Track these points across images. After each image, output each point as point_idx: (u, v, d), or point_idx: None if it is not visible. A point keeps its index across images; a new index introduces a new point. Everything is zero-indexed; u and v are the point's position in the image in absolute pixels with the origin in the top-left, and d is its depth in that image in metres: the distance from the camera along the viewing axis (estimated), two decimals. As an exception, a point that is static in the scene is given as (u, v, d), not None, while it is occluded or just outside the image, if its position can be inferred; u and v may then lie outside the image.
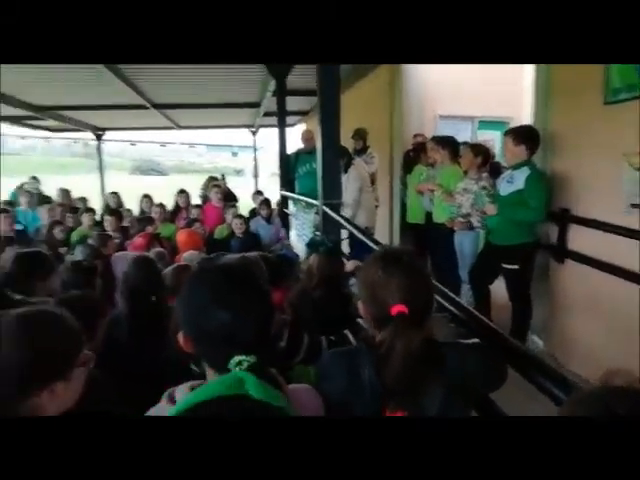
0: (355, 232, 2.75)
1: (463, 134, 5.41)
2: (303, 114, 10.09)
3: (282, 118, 5.82)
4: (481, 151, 3.68)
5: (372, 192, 4.82)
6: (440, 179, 4.04)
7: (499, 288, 3.33)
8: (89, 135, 11.26)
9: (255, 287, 0.88)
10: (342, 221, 3.00)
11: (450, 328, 1.76)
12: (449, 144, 4.02)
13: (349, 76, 6.07)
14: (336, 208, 3.13)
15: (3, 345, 0.90)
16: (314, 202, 3.58)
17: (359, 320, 1.90)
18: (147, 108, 7.78)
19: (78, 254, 3.39)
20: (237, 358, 0.80)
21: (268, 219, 5.17)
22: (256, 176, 12.70)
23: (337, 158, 3.29)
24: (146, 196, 5.72)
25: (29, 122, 9.46)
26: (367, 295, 1.07)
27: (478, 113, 5.90)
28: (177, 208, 5.74)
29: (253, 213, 5.74)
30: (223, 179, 7.36)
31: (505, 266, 3.14)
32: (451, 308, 1.43)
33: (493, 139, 5.80)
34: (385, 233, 5.46)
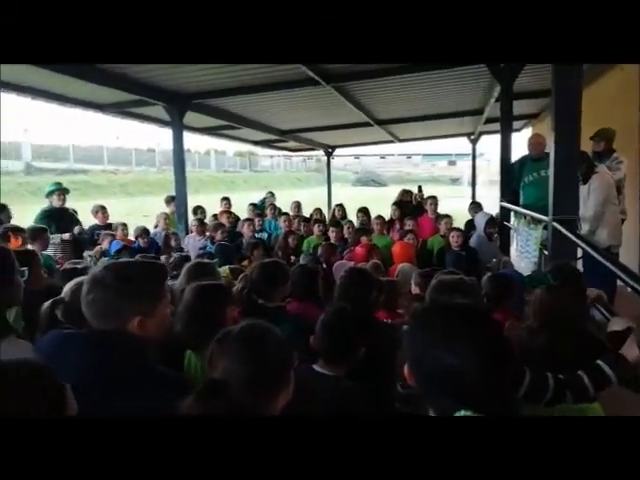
0: (593, 253, 2.34)
1: None
2: (530, 118, 9.22)
3: (506, 123, 5.40)
4: None
5: (618, 205, 4.04)
6: None
7: None
8: (321, 152, 12.66)
9: (489, 334, 0.81)
10: (576, 240, 2.59)
11: None
12: None
13: (586, 72, 5.27)
14: (570, 224, 2.71)
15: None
16: (542, 217, 3.18)
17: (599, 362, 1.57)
18: (371, 125, 8.28)
19: (304, 261, 3.83)
20: (460, 414, 0.73)
21: (490, 237, 4.84)
22: (473, 185, 12.15)
23: (574, 165, 2.86)
24: (362, 210, 6.03)
25: (276, 144, 11.19)
26: None
27: None
28: (391, 220, 5.93)
29: (470, 225, 5.48)
30: (420, 192, 7.09)
31: None
32: None
33: None
34: (635, 254, 4.51)
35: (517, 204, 4.88)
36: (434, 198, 5.86)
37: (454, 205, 11.74)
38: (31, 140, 21.72)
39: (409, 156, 54.78)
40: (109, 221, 5.37)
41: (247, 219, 5.68)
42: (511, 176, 5.17)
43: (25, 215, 5.39)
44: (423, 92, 6.39)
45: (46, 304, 1.87)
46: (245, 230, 5.32)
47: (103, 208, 5.34)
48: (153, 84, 5.14)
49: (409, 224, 5.31)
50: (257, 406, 1.02)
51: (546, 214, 2.97)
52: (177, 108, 5.68)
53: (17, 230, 3.21)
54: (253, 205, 6.58)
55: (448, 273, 2.32)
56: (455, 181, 39.63)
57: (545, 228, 3.20)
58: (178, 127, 5.85)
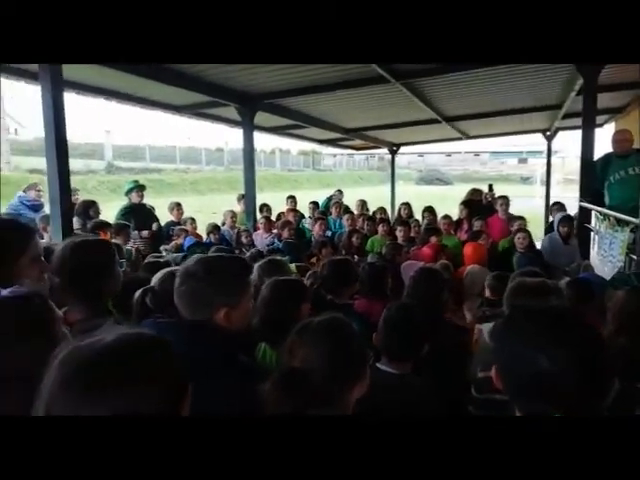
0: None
1: None
2: (614, 112, 8.57)
3: (589, 118, 5.05)
4: None
5: None
6: None
7: None
8: (383, 150, 12.52)
9: (586, 337, 0.78)
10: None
11: None
12: None
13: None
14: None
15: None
16: (630, 219, 2.96)
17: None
18: (439, 122, 8.09)
19: (371, 260, 3.82)
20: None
21: (566, 238, 4.56)
22: (548, 184, 11.48)
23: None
24: (428, 209, 5.91)
25: (341, 143, 11.25)
26: None
27: None
28: (459, 220, 5.76)
29: (549, 228, 5.18)
30: (491, 191, 6.67)
31: None
32: None
33: None
34: None
35: (599, 204, 4.56)
36: (505, 198, 5.62)
37: (525, 205, 11.18)
38: (112, 141, 23.37)
39: (477, 154, 52.81)
40: (183, 217, 5.68)
41: (318, 217, 5.77)
42: (593, 175, 4.84)
43: (106, 211, 5.82)
44: (495, 87, 6.13)
45: (138, 293, 2.02)
46: (316, 229, 5.40)
47: (179, 205, 5.65)
48: (226, 85, 5.35)
49: (478, 225, 5.14)
50: (333, 397, 1.05)
51: (634, 215, 2.76)
52: (248, 108, 5.87)
53: (106, 225, 3.48)
54: (314, 203, 6.66)
55: (530, 275, 2.22)
56: (526, 180, 37.69)
57: (633, 231, 2.97)
58: (249, 127, 6.04)
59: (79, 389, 0.64)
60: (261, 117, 6.53)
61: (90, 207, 4.59)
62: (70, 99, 3.63)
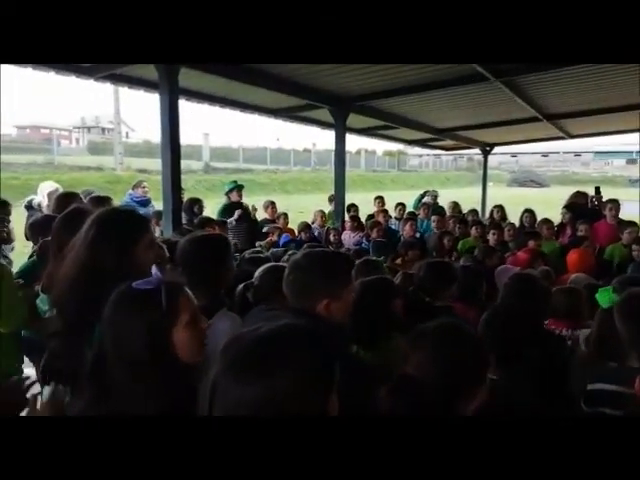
0: None
1: None
2: None
3: None
4: None
5: None
6: None
7: None
8: (473, 150, 12.02)
9: None
10: None
11: None
12: None
13: None
14: None
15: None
16: None
17: None
18: (539, 120, 7.64)
19: (463, 262, 3.73)
20: None
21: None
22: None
23: None
24: (528, 211, 5.62)
25: (430, 143, 11.01)
26: None
27: None
28: (562, 224, 5.40)
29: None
30: (598, 194, 6.10)
31: None
32: None
33: None
34: None
35: None
36: (615, 202, 5.16)
37: (633, 210, 10.10)
38: (210, 143, 24.94)
39: (578, 154, 48.72)
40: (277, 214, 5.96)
41: (408, 218, 5.74)
42: None
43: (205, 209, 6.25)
44: (602, 82, 5.65)
45: (240, 287, 2.19)
46: (407, 229, 5.38)
47: (273, 203, 5.94)
48: (320, 88, 5.50)
49: (582, 229, 4.77)
50: (450, 406, 1.02)
51: None
52: (341, 110, 5.99)
53: (212, 221, 3.78)
54: (401, 204, 6.61)
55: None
56: (635, 182, 34.01)
57: None
58: (341, 129, 6.16)
59: (239, 372, 0.71)
60: (351, 118, 6.63)
61: (195, 204, 4.99)
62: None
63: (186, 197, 5.42)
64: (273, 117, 7.15)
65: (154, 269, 1.11)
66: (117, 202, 5.80)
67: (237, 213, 5.29)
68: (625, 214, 5.42)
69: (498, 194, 16.80)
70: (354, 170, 31.43)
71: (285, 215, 5.74)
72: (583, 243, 4.25)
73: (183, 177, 4.33)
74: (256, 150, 28.82)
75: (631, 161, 44.57)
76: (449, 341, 1.10)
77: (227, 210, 5.47)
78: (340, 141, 6.19)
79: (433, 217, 5.91)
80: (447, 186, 30.51)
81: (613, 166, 46.29)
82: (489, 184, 13.70)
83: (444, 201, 7.44)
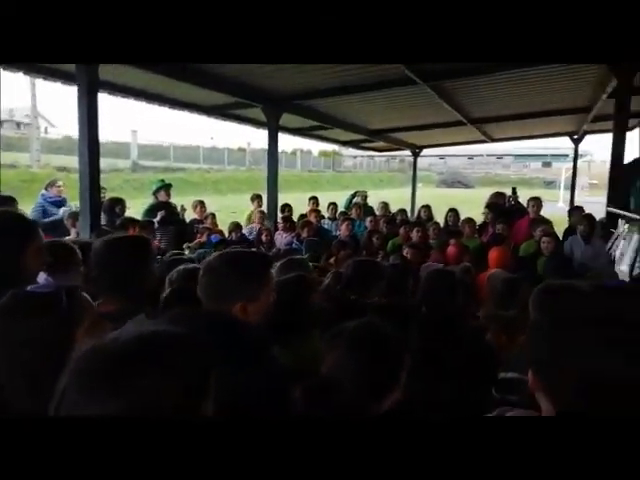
0: None
1: None
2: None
3: (621, 121, 4.93)
4: None
5: None
6: None
7: None
8: (405, 152, 12.47)
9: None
10: None
11: None
12: None
13: None
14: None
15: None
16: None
17: None
18: (464, 124, 8.02)
19: (393, 260, 3.83)
20: None
21: (587, 238, 4.50)
22: (572, 188, 11.28)
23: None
24: (452, 210, 5.88)
25: (363, 144, 11.24)
26: None
27: None
28: (484, 223, 5.71)
29: (569, 231, 5.11)
30: (514, 194, 6.54)
31: None
32: None
33: None
34: None
35: (627, 210, 4.46)
36: (537, 200, 5.51)
37: (548, 209, 10.95)
38: (138, 140, 23.80)
39: (500, 157, 52.05)
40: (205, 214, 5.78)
41: (347, 218, 5.78)
42: (622, 180, 4.73)
43: (131, 209, 5.93)
44: (524, 89, 6.06)
45: (165, 291, 2.07)
46: (343, 229, 5.42)
47: (202, 203, 5.75)
48: (253, 86, 5.41)
49: (500, 228, 5.07)
50: (364, 406, 1.01)
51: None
52: (274, 109, 5.93)
53: (134, 222, 3.58)
54: (333, 204, 6.67)
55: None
56: (549, 184, 36.94)
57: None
58: (274, 128, 6.10)
59: (87, 388, 0.63)
60: (285, 118, 6.59)
61: (116, 204, 4.70)
62: (99, 98, 3.73)
63: (108, 197, 5.12)
64: (205, 115, 6.94)
65: (42, 275, 1.01)
66: (31, 202, 5.38)
67: (159, 214, 5.03)
68: (542, 212, 5.85)
69: (428, 194, 17.52)
70: (290, 170, 31.41)
71: (213, 215, 5.58)
72: (502, 241, 4.52)
73: (109, 176, 4.06)
74: (188, 148, 27.91)
75: (546, 164, 48.34)
76: (363, 341, 1.08)
77: (153, 210, 5.22)
78: (273, 140, 6.13)
79: (369, 217, 6.03)
80: (380, 187, 31.34)
81: (530, 169, 49.92)
82: (419, 185, 14.25)
83: (379, 201, 7.61)
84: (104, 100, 3.69)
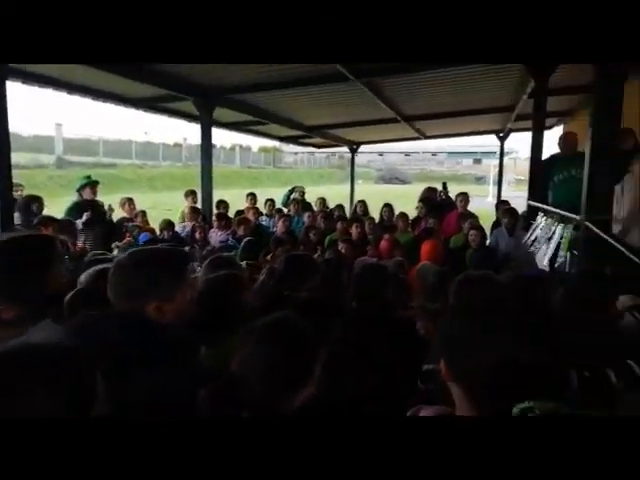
0: (628, 253, 2.27)
1: None
2: (563, 115, 8.98)
3: (539, 120, 5.27)
4: None
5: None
6: None
7: None
8: (344, 149, 12.61)
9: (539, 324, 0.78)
10: (610, 240, 2.52)
11: None
12: None
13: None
14: (603, 224, 2.65)
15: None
16: (573, 216, 3.11)
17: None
18: (398, 121, 8.21)
19: (329, 256, 3.84)
20: (523, 406, 0.72)
21: (511, 230, 4.77)
22: (499, 184, 11.96)
23: (607, 164, 2.78)
24: (387, 205, 6.02)
25: (302, 140, 11.22)
26: None
27: None
28: (417, 217, 5.90)
29: (496, 225, 5.39)
30: (445, 189, 6.86)
31: None
32: None
33: None
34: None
35: (546, 203, 4.77)
36: (464, 195, 5.77)
37: (478, 204, 11.58)
38: (63, 134, 22.32)
39: (434, 154, 54.14)
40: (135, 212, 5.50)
41: (283, 215, 5.72)
42: (541, 175, 5.05)
43: (55, 207, 5.55)
44: (453, 88, 6.28)
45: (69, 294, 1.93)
46: (280, 225, 5.36)
47: (130, 200, 5.47)
48: (183, 78, 5.21)
49: (431, 222, 5.30)
50: (273, 403, 0.99)
51: (576, 214, 2.90)
52: (206, 103, 5.75)
53: (51, 221, 3.32)
54: (270, 201, 6.61)
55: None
56: (479, 180, 38.96)
57: (575, 228, 3.12)
58: (207, 122, 5.91)
59: None
60: (221, 112, 6.42)
61: (33, 202, 4.37)
62: (17, 89, 3.43)
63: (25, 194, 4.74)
64: (133, 107, 6.60)
65: None
66: None
67: (85, 215, 4.72)
68: (472, 207, 6.14)
69: (367, 190, 17.86)
70: (229, 166, 30.82)
71: (143, 213, 5.33)
72: (432, 234, 4.68)
73: (32, 172, 3.74)
74: (120, 143, 26.57)
75: (477, 161, 50.90)
76: (272, 336, 1.06)
77: (76, 209, 4.88)
78: (206, 135, 5.95)
79: (307, 213, 6.03)
80: (320, 183, 31.58)
81: (463, 165, 52.36)
82: (358, 181, 14.48)
83: (317, 197, 7.62)
84: (23, 91, 3.38)
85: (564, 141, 4.75)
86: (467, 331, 0.80)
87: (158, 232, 5.00)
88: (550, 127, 10.05)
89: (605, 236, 2.55)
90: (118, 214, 5.48)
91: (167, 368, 1.04)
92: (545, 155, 5.18)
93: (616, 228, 3.58)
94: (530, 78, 5.13)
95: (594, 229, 2.62)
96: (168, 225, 4.91)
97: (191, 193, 6.17)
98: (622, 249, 2.39)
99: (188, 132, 22.77)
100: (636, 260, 2.17)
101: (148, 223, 5.35)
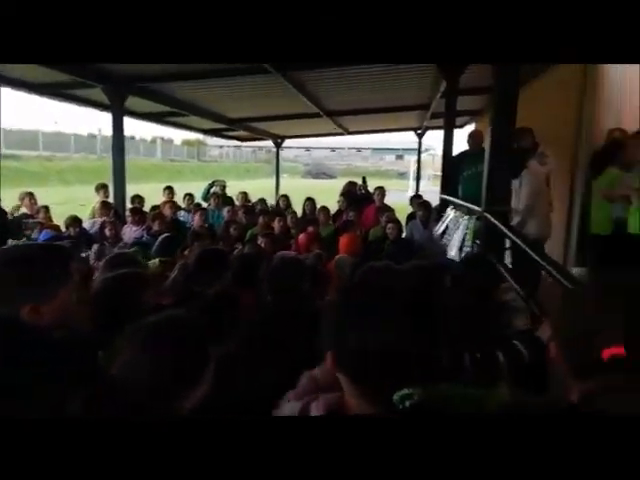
0: (521, 243, 2.47)
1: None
2: (473, 114, 9.57)
3: (450, 119, 5.57)
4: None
5: (546, 196, 4.28)
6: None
7: None
8: (271, 143, 12.51)
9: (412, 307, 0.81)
10: (506, 230, 2.72)
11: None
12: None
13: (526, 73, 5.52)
14: (501, 216, 2.85)
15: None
16: (476, 208, 3.33)
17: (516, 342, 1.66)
18: (321, 116, 8.27)
19: (248, 250, 3.79)
20: (402, 393, 0.74)
21: (425, 222, 5.01)
22: (418, 179, 12.55)
23: (506, 160, 3.00)
24: (309, 199, 6.07)
25: (226, 133, 10.95)
26: (568, 333, 0.83)
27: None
28: (339, 211, 6.01)
29: (411, 217, 5.64)
30: (364, 183, 7.09)
31: None
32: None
33: None
34: (560, 243, 4.81)
35: (457, 197, 5.06)
36: (381, 189, 5.97)
37: (399, 198, 12.08)
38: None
39: (359, 149, 55.46)
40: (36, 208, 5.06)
41: (199, 208, 5.54)
42: (453, 171, 5.35)
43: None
44: (373, 84, 6.44)
45: None
46: (196, 220, 5.19)
47: (30, 194, 5.03)
48: (91, 64, 4.85)
49: (351, 215, 5.43)
50: (159, 405, 0.93)
51: (480, 207, 3.11)
52: (118, 91, 5.41)
53: None
54: (189, 195, 6.40)
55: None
56: (402, 175, 40.52)
57: (478, 219, 3.34)
58: (118, 111, 5.57)
59: None
60: (137, 102, 6.08)
61: None
62: None
63: None
64: (36, 94, 6.05)
65: None
66: None
67: None
68: (393, 201, 6.36)
69: (293, 185, 17.89)
70: (149, 159, 29.43)
71: (46, 208, 4.91)
72: (351, 227, 4.80)
73: None
74: (24, 133, 24.31)
75: (399, 157, 52.89)
76: (156, 337, 0.99)
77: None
78: (118, 125, 5.61)
79: (226, 208, 5.90)
80: (247, 177, 31.13)
81: (386, 161, 54.17)
82: (284, 176, 14.46)
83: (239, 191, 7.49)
84: None
85: (471, 139, 5.05)
86: (351, 316, 0.81)
87: (64, 229, 4.64)
88: (463, 125, 10.68)
89: (502, 227, 2.74)
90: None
91: (38, 370, 0.97)
92: (457, 152, 5.50)
93: (515, 219, 3.89)
94: (442, 78, 5.40)
95: (493, 220, 2.82)
96: (74, 221, 4.56)
97: (102, 187, 5.79)
98: (517, 240, 2.59)
99: (104, 123, 21.42)
100: (528, 250, 2.35)
101: (51, 219, 4.94)
